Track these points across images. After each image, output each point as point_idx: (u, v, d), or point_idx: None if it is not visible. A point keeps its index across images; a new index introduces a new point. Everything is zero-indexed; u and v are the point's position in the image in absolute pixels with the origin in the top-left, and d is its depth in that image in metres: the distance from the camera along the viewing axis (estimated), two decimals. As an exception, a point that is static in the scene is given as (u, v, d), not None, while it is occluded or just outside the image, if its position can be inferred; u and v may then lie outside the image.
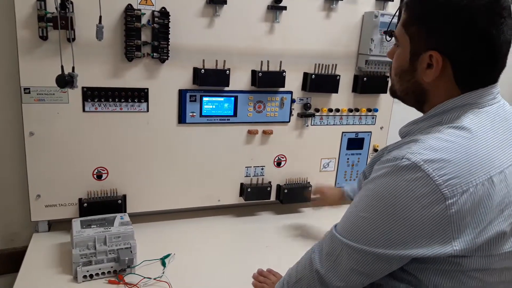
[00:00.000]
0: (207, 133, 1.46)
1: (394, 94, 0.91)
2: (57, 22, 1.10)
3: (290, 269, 0.96)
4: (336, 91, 1.55)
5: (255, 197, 1.56)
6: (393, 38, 0.90)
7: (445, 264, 0.75)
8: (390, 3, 1.54)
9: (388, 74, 1.61)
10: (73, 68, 1.05)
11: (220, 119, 1.46)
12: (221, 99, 1.44)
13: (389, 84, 0.94)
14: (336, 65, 1.53)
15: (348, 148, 1.66)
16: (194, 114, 1.42)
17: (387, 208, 0.73)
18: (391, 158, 0.75)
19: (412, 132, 0.83)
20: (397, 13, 1.42)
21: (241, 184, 1.56)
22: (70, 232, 1.24)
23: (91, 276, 1.13)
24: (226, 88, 1.43)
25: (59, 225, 1.39)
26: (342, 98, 1.59)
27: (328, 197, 1.47)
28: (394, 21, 1.44)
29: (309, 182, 1.63)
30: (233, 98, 1.46)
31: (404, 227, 0.72)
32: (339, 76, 1.53)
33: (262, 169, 1.57)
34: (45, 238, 1.34)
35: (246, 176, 1.56)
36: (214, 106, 1.44)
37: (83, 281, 1.12)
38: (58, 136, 1.29)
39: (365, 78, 1.56)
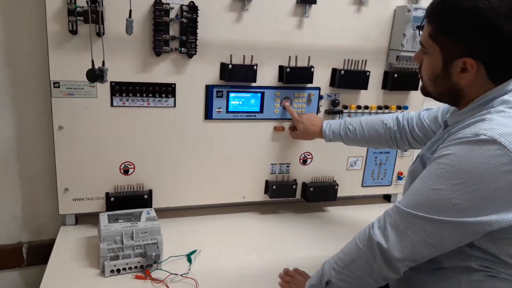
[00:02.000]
0: (233, 129, 1.44)
1: (427, 94, 0.97)
2: (88, 16, 1.10)
3: (332, 258, 0.97)
4: (365, 88, 1.51)
5: (280, 194, 1.54)
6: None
7: None
8: (423, -4, 1.49)
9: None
10: (103, 62, 1.05)
11: (246, 115, 1.44)
12: (248, 95, 1.42)
13: (420, 83, 0.99)
14: (366, 61, 1.48)
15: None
16: (221, 110, 1.41)
17: (465, 179, 0.78)
18: (463, 136, 0.81)
19: (464, 120, 0.89)
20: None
21: (266, 181, 1.54)
22: (97, 226, 1.25)
23: (118, 270, 1.14)
24: (253, 84, 1.41)
25: (86, 219, 1.40)
26: (372, 94, 1.55)
27: (303, 129, 1.41)
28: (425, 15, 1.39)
29: (335, 181, 1.60)
30: (259, 94, 1.44)
31: (483, 195, 0.77)
32: (369, 72, 1.49)
33: (287, 166, 1.55)
34: (72, 231, 1.36)
35: (272, 173, 1.54)
36: (240, 102, 1.42)
37: (110, 275, 1.13)
38: (86, 131, 1.29)
39: (395, 75, 1.52)
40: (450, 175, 0.80)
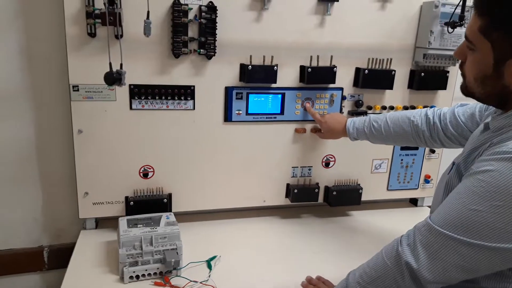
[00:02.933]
0: (253, 131, 1.41)
1: (470, 95, 0.87)
2: (106, 19, 1.08)
3: (357, 270, 0.92)
4: (390, 87, 1.45)
5: (302, 198, 1.50)
6: (465, 39, 0.84)
7: None
8: (452, -9, 1.42)
9: (448, 69, 1.49)
10: (121, 65, 1.04)
11: (266, 117, 1.41)
12: (268, 96, 1.39)
13: (460, 81, 0.89)
14: (391, 59, 1.43)
15: (402, 148, 1.56)
16: (240, 112, 1.37)
17: (509, 201, 0.71)
18: (508, 150, 0.74)
19: (509, 126, 0.82)
20: (461, 3, 1.31)
21: (287, 185, 1.50)
22: (116, 231, 1.23)
23: (137, 277, 1.12)
24: (273, 85, 1.37)
25: (106, 223, 1.40)
26: (397, 94, 1.49)
27: (327, 129, 1.37)
28: (458, 11, 1.32)
29: (359, 184, 1.55)
30: (280, 95, 1.40)
31: None
32: (394, 71, 1.43)
33: (309, 169, 1.51)
34: (92, 235, 1.35)
35: (293, 176, 1.50)
36: (260, 104, 1.39)
37: (129, 282, 1.11)
38: (106, 134, 1.28)
39: (422, 73, 1.45)
40: (492, 195, 0.73)
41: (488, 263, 0.75)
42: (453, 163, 0.94)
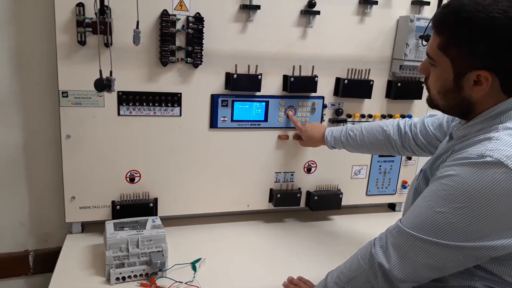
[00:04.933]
0: (237, 138, 1.45)
1: (435, 107, 0.93)
2: (96, 27, 1.12)
3: (335, 271, 0.96)
4: (369, 97, 1.52)
5: (285, 203, 1.55)
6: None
7: None
8: (426, 7, 1.50)
9: (423, 80, 1.57)
10: (111, 72, 1.07)
11: (251, 124, 1.46)
12: (253, 104, 1.44)
13: (426, 95, 0.96)
14: (369, 70, 1.50)
15: (381, 155, 1.62)
16: (226, 118, 1.42)
17: (469, 203, 0.76)
18: (468, 156, 0.78)
19: (471, 133, 0.86)
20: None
21: (271, 190, 1.55)
22: (103, 234, 1.26)
23: (123, 278, 1.14)
24: (258, 93, 1.43)
25: (92, 227, 1.42)
26: (375, 103, 1.56)
27: (307, 137, 1.42)
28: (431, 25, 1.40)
29: (339, 189, 1.61)
30: (264, 103, 1.45)
31: (487, 220, 0.75)
32: (373, 81, 1.50)
33: (292, 175, 1.56)
34: (79, 239, 1.36)
35: (276, 181, 1.55)
36: (245, 111, 1.44)
37: (115, 283, 1.13)
38: (93, 139, 1.31)
39: (399, 84, 1.53)
40: (454, 198, 0.77)
41: (454, 261, 0.80)
42: (421, 170, 1.00)
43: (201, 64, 1.32)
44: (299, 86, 1.44)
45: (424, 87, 0.98)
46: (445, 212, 0.78)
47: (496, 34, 0.77)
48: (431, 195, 0.82)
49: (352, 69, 1.49)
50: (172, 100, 1.34)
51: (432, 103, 0.94)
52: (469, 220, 0.76)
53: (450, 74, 0.84)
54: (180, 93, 1.35)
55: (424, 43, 1.44)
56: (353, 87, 1.49)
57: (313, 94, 1.48)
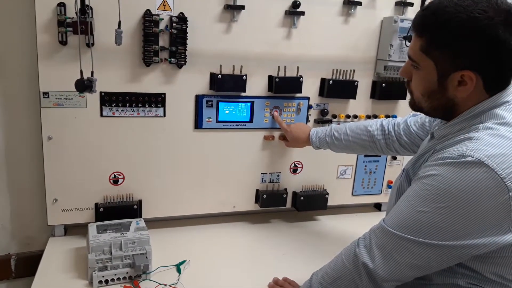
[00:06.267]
0: (223, 138, 1.45)
1: (418, 110, 0.94)
2: (77, 27, 1.11)
3: (320, 271, 0.97)
4: (354, 97, 1.53)
5: (271, 204, 1.54)
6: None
7: (506, 252, 0.80)
8: (409, 8, 1.51)
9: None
10: (92, 72, 1.06)
11: (236, 125, 1.45)
12: (238, 104, 1.43)
13: (408, 97, 0.96)
14: (354, 70, 1.50)
15: (366, 155, 1.63)
16: (211, 119, 1.41)
17: (451, 202, 0.76)
18: (450, 156, 0.79)
19: (452, 133, 0.88)
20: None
21: (257, 191, 1.54)
22: (86, 237, 1.24)
23: (106, 281, 1.13)
24: (243, 94, 1.42)
25: (75, 230, 1.40)
26: (360, 104, 1.57)
27: (292, 138, 1.42)
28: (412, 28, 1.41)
29: (325, 190, 1.61)
30: (249, 104, 1.45)
31: (469, 219, 0.76)
32: (357, 82, 1.51)
33: (278, 175, 1.56)
34: (61, 242, 1.35)
35: (262, 182, 1.54)
36: (230, 112, 1.43)
37: (98, 287, 1.12)
38: (76, 141, 1.29)
39: (383, 84, 1.54)
40: (436, 198, 0.78)
41: (437, 260, 0.81)
42: (403, 169, 1.01)
43: (185, 64, 1.31)
44: (284, 87, 1.44)
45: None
46: (428, 212, 0.79)
47: (477, 33, 0.78)
48: (413, 195, 0.83)
49: (337, 70, 1.49)
50: (156, 100, 1.33)
51: (415, 106, 0.94)
52: (452, 219, 0.77)
53: (434, 76, 0.85)
54: (164, 94, 1.34)
55: (408, 43, 1.45)
56: (338, 88, 1.49)
57: (298, 95, 1.48)
